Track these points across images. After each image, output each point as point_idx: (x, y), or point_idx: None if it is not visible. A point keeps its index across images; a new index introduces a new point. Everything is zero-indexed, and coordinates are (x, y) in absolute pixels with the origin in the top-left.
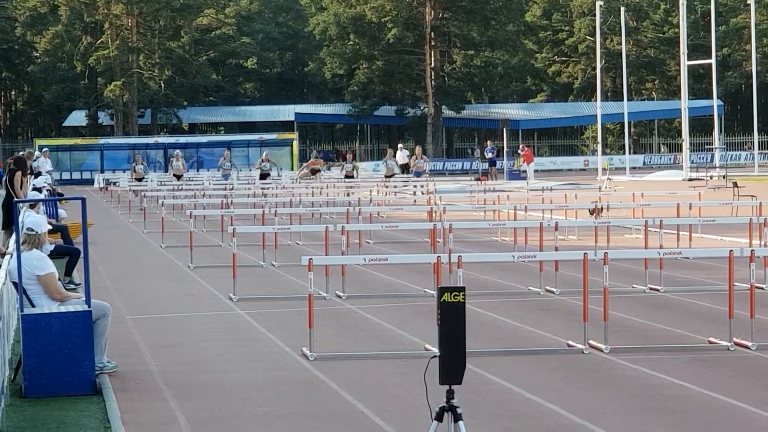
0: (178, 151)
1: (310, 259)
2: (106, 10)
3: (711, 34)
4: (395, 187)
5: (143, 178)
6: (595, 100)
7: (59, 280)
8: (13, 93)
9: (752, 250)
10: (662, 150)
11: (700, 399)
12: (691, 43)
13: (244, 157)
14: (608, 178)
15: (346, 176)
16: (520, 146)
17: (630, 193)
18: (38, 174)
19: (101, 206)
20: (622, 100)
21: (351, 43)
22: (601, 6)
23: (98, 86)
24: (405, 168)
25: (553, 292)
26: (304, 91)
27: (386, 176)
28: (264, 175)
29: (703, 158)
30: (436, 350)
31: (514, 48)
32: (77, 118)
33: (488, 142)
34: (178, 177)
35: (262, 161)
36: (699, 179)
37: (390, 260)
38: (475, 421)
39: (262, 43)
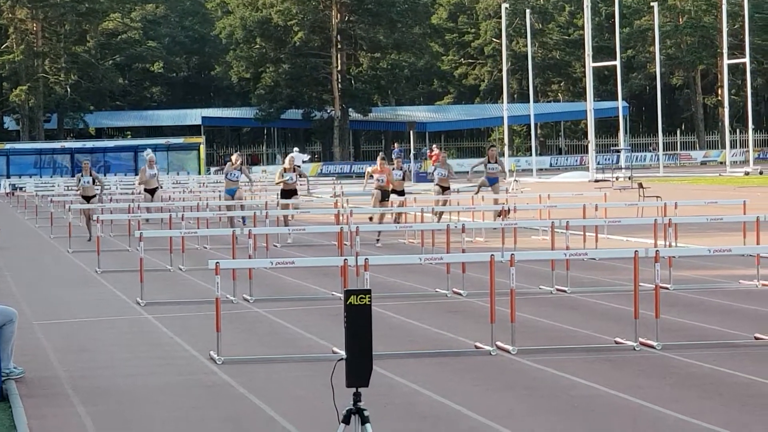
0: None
1: (217, 262)
2: (10, 15)
3: (615, 36)
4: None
5: (94, 196)
6: (502, 102)
7: None
8: None
9: (657, 251)
10: (562, 151)
11: (606, 399)
12: (596, 45)
13: None
14: (515, 180)
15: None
16: (432, 147)
17: (537, 195)
18: None
19: (7, 212)
20: (529, 101)
21: (257, 46)
22: (506, 8)
23: (3, 91)
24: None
25: (460, 294)
26: (211, 95)
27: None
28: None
29: (608, 159)
30: (343, 353)
31: (421, 50)
32: None
33: (395, 145)
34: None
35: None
36: (605, 180)
37: (297, 263)
38: (382, 424)
39: (169, 47)
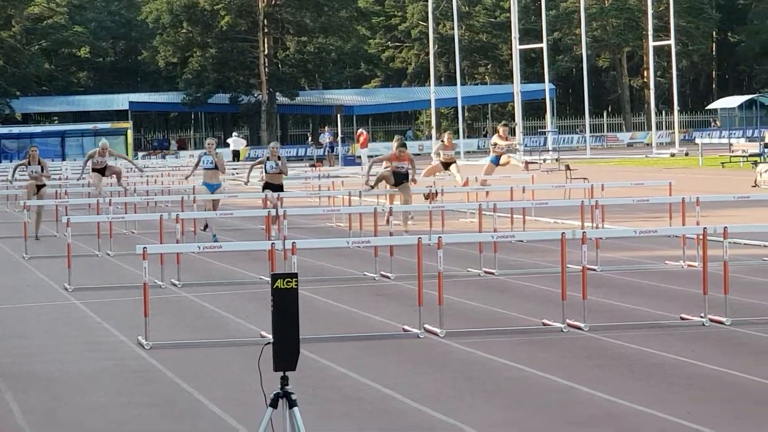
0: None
1: (145, 247)
2: None
3: (542, 19)
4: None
5: (44, 185)
6: (429, 85)
7: None
8: None
9: (584, 232)
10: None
11: (534, 380)
12: (522, 28)
13: (78, 147)
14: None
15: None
16: (358, 131)
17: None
18: None
19: None
20: (456, 84)
21: (184, 31)
22: None
23: None
24: (236, 155)
25: (388, 277)
26: (138, 79)
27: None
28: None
29: (536, 142)
30: (270, 337)
31: (348, 34)
32: None
33: (323, 128)
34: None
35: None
36: (532, 162)
37: (225, 248)
38: (310, 407)
39: (95, 32)
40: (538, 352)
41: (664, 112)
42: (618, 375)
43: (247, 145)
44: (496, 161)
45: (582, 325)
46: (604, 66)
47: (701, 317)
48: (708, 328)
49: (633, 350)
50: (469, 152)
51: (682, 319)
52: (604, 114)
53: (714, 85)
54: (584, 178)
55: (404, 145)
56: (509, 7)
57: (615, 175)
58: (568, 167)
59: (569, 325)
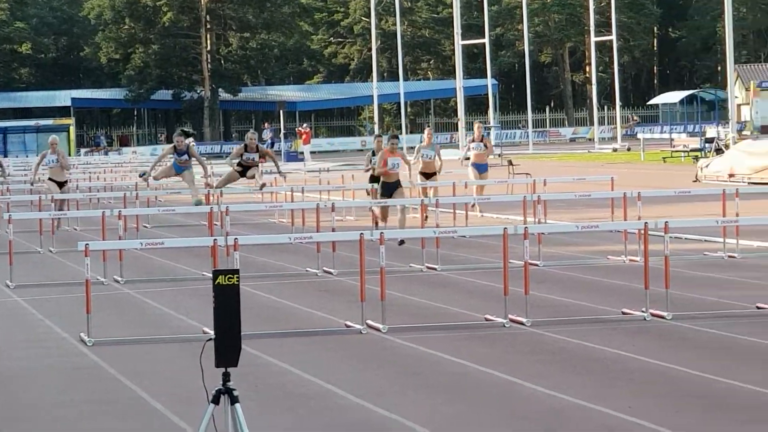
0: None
1: (87, 244)
2: None
3: (484, 14)
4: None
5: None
6: (372, 81)
7: None
8: None
9: (526, 228)
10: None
11: (477, 375)
12: (465, 23)
13: (20, 144)
14: None
15: None
16: (303, 126)
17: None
18: None
19: None
20: (398, 80)
21: (126, 27)
22: None
23: None
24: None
25: (330, 273)
26: (80, 75)
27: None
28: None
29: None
30: (212, 333)
31: (290, 30)
32: None
33: (266, 124)
34: None
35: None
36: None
37: (167, 244)
38: (253, 403)
39: (37, 28)
40: (480, 347)
41: (606, 108)
42: (560, 370)
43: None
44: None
45: (524, 320)
46: (546, 61)
47: (642, 312)
48: (649, 322)
49: (575, 345)
50: (411, 148)
51: (623, 313)
52: (547, 109)
53: (655, 81)
54: (527, 174)
55: (396, 137)
56: (451, 3)
57: (557, 171)
58: (510, 162)
59: (511, 321)
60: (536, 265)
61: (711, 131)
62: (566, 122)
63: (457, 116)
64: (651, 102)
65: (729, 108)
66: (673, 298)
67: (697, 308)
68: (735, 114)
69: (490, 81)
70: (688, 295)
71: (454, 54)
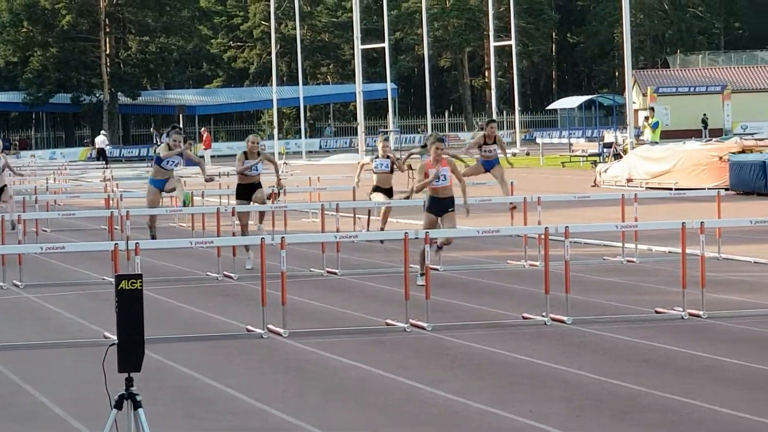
0: None
1: None
2: None
3: (384, 18)
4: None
5: None
6: (271, 85)
7: None
8: None
9: (426, 232)
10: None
11: (378, 380)
12: (364, 28)
13: None
14: (285, 163)
15: None
16: (202, 130)
17: (306, 177)
18: None
19: None
20: (298, 84)
21: (24, 30)
22: None
23: None
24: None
25: (231, 278)
26: None
27: None
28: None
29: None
30: (115, 338)
31: (189, 34)
32: None
33: (164, 129)
34: None
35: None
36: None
37: (67, 248)
38: (155, 408)
39: None
40: (381, 351)
41: (505, 112)
42: (461, 374)
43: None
44: (487, 166)
45: (425, 324)
46: (445, 66)
47: (543, 316)
48: (550, 327)
49: (476, 350)
50: (310, 152)
51: (524, 318)
52: (446, 114)
53: (554, 86)
54: None
55: (441, 140)
56: (351, 7)
57: None
58: (410, 167)
59: (412, 325)
60: (437, 269)
61: (609, 136)
62: (465, 126)
63: (356, 120)
64: (550, 107)
65: (627, 113)
66: (573, 303)
67: (596, 312)
68: (632, 119)
69: (389, 85)
70: (588, 300)
71: (353, 58)
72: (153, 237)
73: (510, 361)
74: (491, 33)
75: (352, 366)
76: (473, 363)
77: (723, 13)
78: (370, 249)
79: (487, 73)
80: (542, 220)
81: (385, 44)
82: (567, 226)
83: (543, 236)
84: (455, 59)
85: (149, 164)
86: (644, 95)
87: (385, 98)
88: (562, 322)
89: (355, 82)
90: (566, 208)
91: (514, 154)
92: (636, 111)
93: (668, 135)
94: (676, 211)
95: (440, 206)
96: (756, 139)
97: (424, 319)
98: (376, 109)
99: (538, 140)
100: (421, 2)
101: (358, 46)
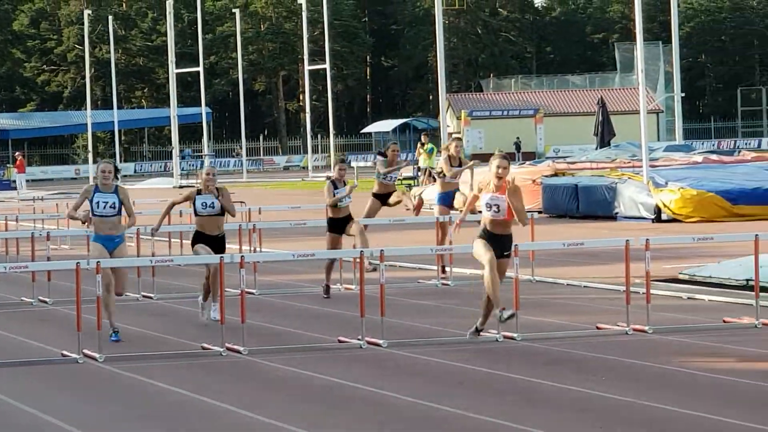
0: None
1: None
2: None
3: (198, 43)
4: None
5: None
6: (86, 109)
7: None
8: None
9: (242, 256)
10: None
11: (194, 404)
12: (179, 51)
13: None
14: None
15: None
16: (16, 154)
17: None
18: None
19: None
20: (113, 108)
21: None
22: (89, 15)
23: None
24: None
25: (46, 302)
26: None
27: None
28: None
29: (192, 165)
30: None
31: (2, 57)
32: None
33: None
34: None
35: None
36: (190, 186)
37: None
38: None
39: None
40: (197, 376)
41: (320, 136)
42: (277, 398)
43: None
44: (446, 200)
45: (241, 348)
46: (260, 89)
47: (359, 339)
48: (365, 350)
49: (292, 373)
50: (126, 176)
51: (339, 341)
52: (261, 137)
53: (368, 109)
54: (242, 202)
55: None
56: (166, 31)
57: (272, 199)
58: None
59: (228, 349)
60: (252, 293)
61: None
62: (280, 150)
63: (171, 144)
64: (364, 130)
65: (441, 136)
66: (389, 326)
67: (411, 335)
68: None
69: (204, 109)
70: (403, 323)
71: (168, 82)
72: None
73: (326, 384)
74: (306, 56)
75: (169, 390)
76: (289, 386)
77: (535, 37)
78: (186, 273)
79: (301, 97)
80: (357, 243)
81: (200, 68)
82: (382, 250)
83: (359, 260)
84: (270, 83)
85: None
86: (458, 119)
87: (199, 122)
88: (378, 345)
89: (169, 106)
90: (382, 231)
91: (328, 178)
92: (450, 134)
93: (482, 158)
94: None
95: (499, 242)
96: (568, 163)
97: (240, 343)
98: (190, 132)
99: (353, 164)
100: (235, 26)
101: (173, 70)
